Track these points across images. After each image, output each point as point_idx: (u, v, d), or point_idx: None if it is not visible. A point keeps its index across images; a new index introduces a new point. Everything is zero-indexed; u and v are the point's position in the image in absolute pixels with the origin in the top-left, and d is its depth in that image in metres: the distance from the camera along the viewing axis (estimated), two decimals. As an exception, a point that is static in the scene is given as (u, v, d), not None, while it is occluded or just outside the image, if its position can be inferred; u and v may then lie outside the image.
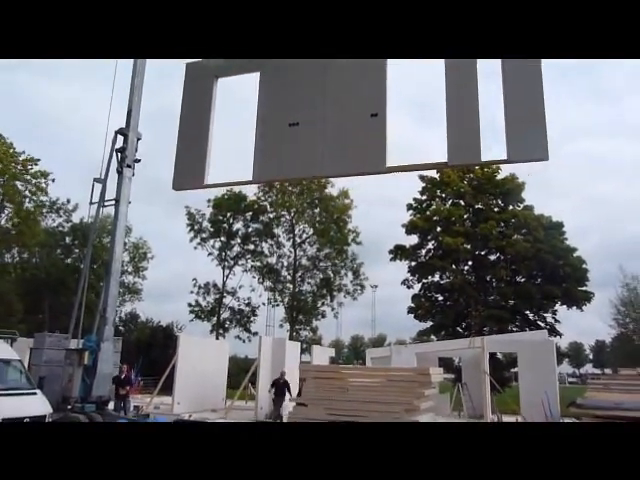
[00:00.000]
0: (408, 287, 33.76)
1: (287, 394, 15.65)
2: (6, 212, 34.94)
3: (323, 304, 38.89)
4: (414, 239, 33.69)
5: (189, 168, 4.18)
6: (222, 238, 39.78)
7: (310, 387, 14.85)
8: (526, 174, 32.29)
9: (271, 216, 39.40)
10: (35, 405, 11.09)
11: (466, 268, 33.33)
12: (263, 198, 38.92)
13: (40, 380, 12.45)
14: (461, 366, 24.75)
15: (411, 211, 34.02)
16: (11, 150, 33.60)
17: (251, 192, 38.45)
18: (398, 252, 33.81)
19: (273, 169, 4.11)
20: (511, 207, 32.52)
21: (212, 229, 39.69)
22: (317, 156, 3.89)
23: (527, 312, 30.88)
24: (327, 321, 40.24)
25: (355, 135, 3.97)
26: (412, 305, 33.23)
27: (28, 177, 34.27)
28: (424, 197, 33.95)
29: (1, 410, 10.24)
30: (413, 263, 33.62)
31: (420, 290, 33.57)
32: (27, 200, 35.16)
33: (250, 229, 39.67)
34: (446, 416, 18.79)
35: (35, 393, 11.51)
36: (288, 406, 15.64)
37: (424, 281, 33.48)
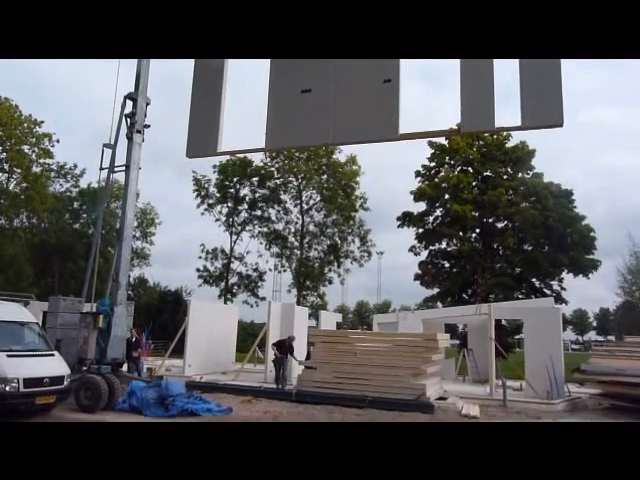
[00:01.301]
0: (415, 254, 33.91)
1: (291, 357, 15.90)
2: (14, 177, 35.10)
3: (330, 270, 39.19)
4: (422, 206, 33.66)
5: (202, 136, 4.19)
6: (229, 204, 39.82)
7: (319, 351, 15.17)
8: (536, 141, 31.89)
9: (278, 182, 39.28)
10: (54, 366, 11.42)
11: (474, 235, 33.35)
12: (270, 164, 38.73)
13: (57, 342, 12.75)
14: (466, 332, 25.04)
15: (419, 178, 33.86)
16: (16, 114, 33.52)
17: (257, 158, 38.33)
18: (406, 219, 33.79)
19: (285, 136, 4.12)
20: (520, 175, 32.27)
21: (218, 195, 39.69)
22: (329, 123, 3.89)
23: (533, 280, 31.00)
24: (333, 287, 40.70)
25: (368, 102, 3.94)
26: (419, 272, 33.42)
27: (33, 140, 34.27)
28: (433, 164, 33.70)
29: (22, 370, 10.59)
30: (420, 230, 33.66)
31: (427, 257, 33.71)
32: (34, 165, 35.27)
33: (257, 195, 39.63)
34: (452, 380, 19.15)
35: (53, 354, 11.83)
36: (297, 369, 15.99)
37: (431, 248, 33.58)
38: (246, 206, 39.87)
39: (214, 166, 38.60)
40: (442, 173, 33.39)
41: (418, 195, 32.80)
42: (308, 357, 16.44)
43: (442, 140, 32.20)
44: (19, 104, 33.85)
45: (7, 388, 10.21)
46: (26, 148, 34.42)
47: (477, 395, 15.81)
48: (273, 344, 16.44)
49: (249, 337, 28.77)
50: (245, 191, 39.84)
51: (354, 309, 76.37)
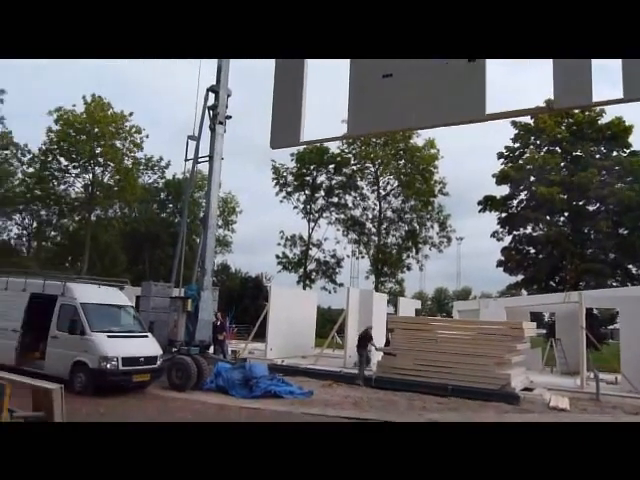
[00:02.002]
0: (498, 239, 32.74)
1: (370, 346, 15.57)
2: (108, 170, 37.54)
3: (408, 256, 38.71)
4: (505, 189, 32.33)
5: (285, 127, 4.22)
6: (306, 191, 40.31)
7: (398, 338, 15.08)
8: (634, 116, 29.52)
9: (355, 168, 39.18)
10: (148, 346, 12.23)
11: (561, 219, 31.60)
12: (347, 150, 38.68)
13: (150, 325, 13.60)
14: (553, 321, 23.88)
15: (502, 160, 32.50)
16: (109, 112, 35.74)
17: (334, 145, 38.41)
18: (487, 203, 32.62)
19: (368, 122, 4.06)
20: (615, 153, 30.01)
21: (296, 183, 40.28)
22: (413, 107, 3.79)
23: (630, 266, 28.91)
24: (411, 273, 40.18)
25: (452, 82, 3.78)
26: (501, 258, 32.23)
27: (124, 134, 36.43)
28: (517, 145, 32.19)
29: (120, 349, 11.43)
30: (503, 214, 32.39)
31: (510, 242, 32.43)
32: (125, 158, 37.52)
33: (334, 182, 39.79)
34: (538, 371, 18.39)
35: (147, 336, 12.66)
36: (376, 355, 16.01)
37: (515, 233, 32.24)
38: (323, 193, 40.18)
39: (292, 154, 39.18)
40: (527, 154, 31.82)
41: (501, 178, 31.51)
42: (387, 344, 16.40)
43: (527, 119, 30.66)
44: (110, 101, 36.10)
45: (108, 366, 11.07)
46: (118, 143, 36.69)
47: (566, 387, 15.07)
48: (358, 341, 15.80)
49: (327, 323, 29.16)
50: (322, 178, 40.17)
51: (432, 296, 75.03)
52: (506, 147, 32.42)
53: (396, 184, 38.72)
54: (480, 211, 33.21)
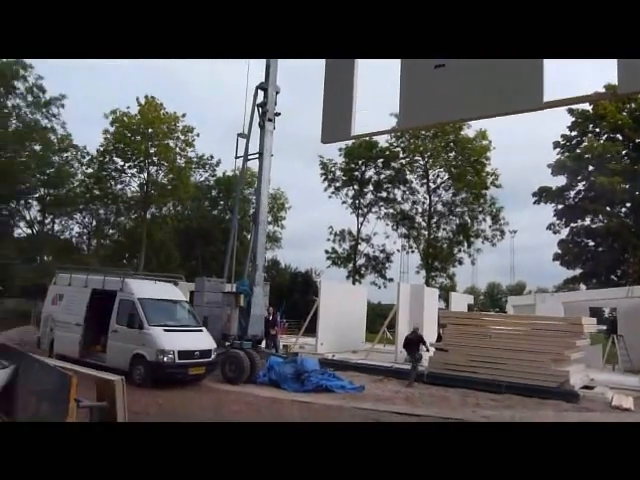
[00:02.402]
0: (554, 232, 31.58)
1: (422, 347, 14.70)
2: (162, 169, 38.69)
3: (460, 250, 37.93)
4: (561, 180, 31.07)
5: (336, 121, 4.20)
6: (355, 186, 40.16)
7: (450, 333, 14.84)
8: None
9: (404, 162, 38.69)
10: (203, 340, 12.56)
11: (623, 210, 30.09)
12: (395, 144, 38.23)
13: (204, 319, 13.95)
14: (614, 317, 22.83)
15: (558, 149, 31.25)
16: (162, 112, 36.78)
17: (382, 139, 38.01)
18: (543, 194, 31.48)
19: (420, 115, 3.97)
20: (684, 139, 28.30)
21: (344, 178, 40.19)
22: (467, 97, 3.67)
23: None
24: (463, 268, 39.33)
25: (508, 70, 3.63)
26: (558, 251, 31.07)
27: (177, 134, 37.43)
28: (574, 133, 30.85)
29: (176, 343, 11.79)
30: (560, 206, 31.17)
31: (568, 235, 31.20)
32: (178, 157, 38.56)
33: (382, 176, 39.44)
34: (599, 369, 17.64)
35: (202, 330, 13.00)
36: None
37: (572, 225, 31.00)
38: (372, 188, 39.92)
39: (340, 149, 39.10)
40: (585, 143, 30.42)
41: (557, 168, 30.31)
42: (439, 339, 16.17)
43: (585, 106, 29.33)
44: (163, 102, 37.13)
45: (165, 359, 11.45)
46: (171, 142, 37.71)
47: (630, 386, 14.38)
48: (404, 344, 14.93)
49: (377, 318, 29.02)
50: (370, 173, 39.88)
51: (485, 291, 73.25)
52: (562, 136, 31.16)
53: (446, 177, 37.96)
54: (535, 203, 32.12)
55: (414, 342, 14.31)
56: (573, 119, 30.41)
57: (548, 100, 3.62)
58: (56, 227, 41.43)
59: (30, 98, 31.60)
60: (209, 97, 67.20)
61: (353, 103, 4.14)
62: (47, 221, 40.42)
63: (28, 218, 38.14)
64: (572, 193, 31.12)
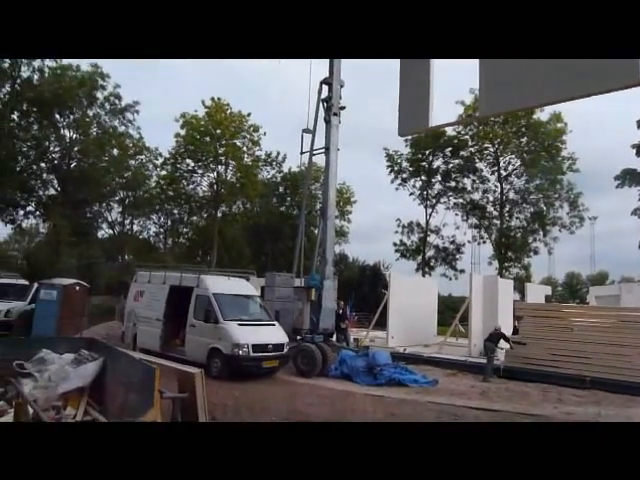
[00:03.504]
0: (640, 217, 29.51)
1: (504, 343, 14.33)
2: (230, 168, 39.84)
3: (535, 240, 36.31)
4: (647, 161, 28.95)
5: (412, 113, 4.12)
6: (422, 177, 39.43)
7: (527, 326, 14.26)
8: None
9: (472, 150, 37.48)
10: (276, 334, 12.81)
11: None
12: (463, 132, 37.11)
13: (276, 313, 14.21)
14: None
15: (643, 128, 29.12)
16: (228, 112, 37.81)
17: (449, 127, 37.00)
18: (627, 177, 29.48)
19: (500, 101, 3.78)
20: None
21: (411, 169, 39.54)
22: (552, 78, 3.44)
23: None
24: (539, 258, 37.62)
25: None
26: (645, 238, 29.04)
27: (244, 133, 38.35)
28: (660, 110, 28.65)
29: (250, 337, 12.10)
30: (646, 189, 29.10)
31: (656, 220, 29.08)
32: (245, 155, 39.54)
33: (451, 165, 38.46)
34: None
35: (274, 324, 13.26)
36: (504, 344, 15.28)
37: (661, 209, 28.85)
38: (440, 178, 39.02)
39: (406, 140, 38.48)
40: (674, 119, 28.19)
41: (642, 148, 28.29)
42: (515, 332, 15.59)
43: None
44: (230, 102, 38.17)
45: (240, 352, 11.78)
46: (238, 142, 38.73)
47: None
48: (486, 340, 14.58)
49: (448, 310, 28.41)
50: (438, 162, 38.98)
51: (563, 281, 69.82)
52: (647, 114, 29.02)
53: (518, 163, 36.40)
54: (618, 187, 30.13)
55: (495, 338, 14.03)
56: (659, 95, 28.23)
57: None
58: (135, 227, 43.89)
59: (108, 106, 33.43)
60: (276, 94, 68.28)
61: (430, 93, 4.03)
62: (127, 222, 42.83)
63: (110, 220, 40.63)
64: (660, 174, 28.96)
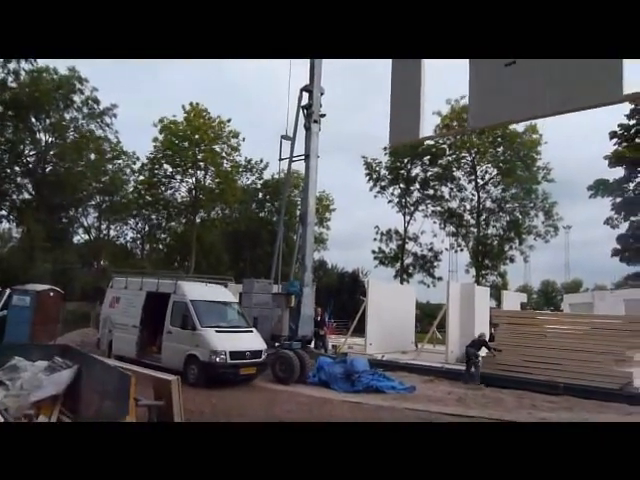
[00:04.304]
0: (612, 227, 30.28)
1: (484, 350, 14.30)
2: (209, 173, 39.62)
3: (511, 248, 36.88)
4: (619, 172, 29.73)
5: (403, 123, 4.20)
6: (401, 185, 39.77)
7: (503, 333, 14.46)
8: None
9: (450, 159, 37.98)
10: (253, 341, 12.75)
11: (688, 202, 28.52)
12: (441, 141, 37.58)
13: (254, 320, 14.16)
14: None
15: (615, 140, 29.90)
16: (207, 117, 37.63)
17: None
18: (600, 187, 30.22)
19: (491, 114, 3.87)
20: None
21: (390, 176, 39.85)
22: (541, 94, 3.53)
23: None
24: (515, 266, 38.24)
25: (584, 63, 3.42)
26: (617, 247, 29.76)
27: (223, 138, 38.19)
28: (632, 122, 29.44)
29: (228, 344, 12.02)
30: (618, 199, 29.82)
31: (628, 230, 29.81)
32: (224, 161, 39.37)
33: (429, 174, 38.89)
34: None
35: (252, 331, 13.20)
36: (480, 351, 15.46)
37: (633, 219, 29.60)
38: (418, 186, 39.41)
39: (384, 148, 38.83)
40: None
41: (614, 160, 29.03)
42: (491, 339, 15.78)
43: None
44: (208, 105, 38.01)
45: (217, 359, 11.69)
46: (217, 147, 38.56)
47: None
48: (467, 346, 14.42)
49: (426, 317, 28.63)
50: (417, 170, 39.39)
51: (539, 289, 70.95)
52: (620, 125, 29.79)
53: (495, 172, 37.02)
54: (591, 197, 30.88)
55: (477, 344, 14.13)
56: (632, 107, 29.03)
57: (628, 92, 3.43)
58: (112, 233, 43.17)
59: (86, 110, 32.99)
60: (257, 100, 68.33)
61: (421, 105, 4.10)
62: (103, 227, 42.17)
63: (86, 225, 39.94)
64: (631, 185, 29.73)
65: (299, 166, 16.49)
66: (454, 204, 38.45)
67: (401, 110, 4.13)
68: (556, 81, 3.43)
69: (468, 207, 38.23)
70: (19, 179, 33.04)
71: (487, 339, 15.95)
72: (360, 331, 19.44)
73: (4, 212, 33.36)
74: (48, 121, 32.66)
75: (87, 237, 40.72)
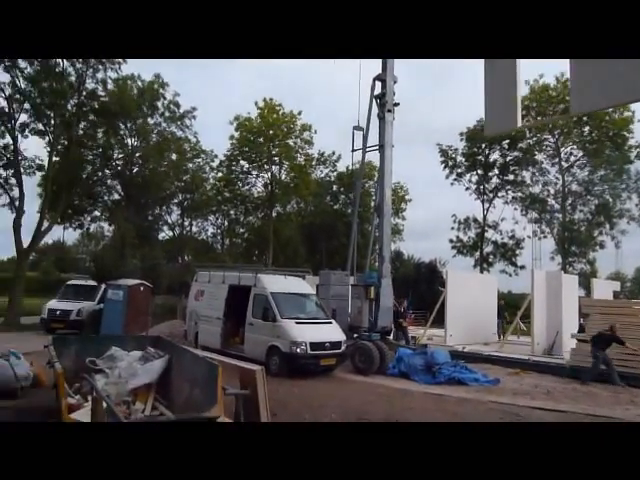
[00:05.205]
0: None
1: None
2: (284, 168, 40.34)
3: (601, 233, 34.51)
4: None
5: (500, 112, 4.10)
6: (478, 171, 38.39)
7: (595, 323, 13.64)
8: None
9: (531, 142, 36.11)
10: (333, 332, 12.88)
11: None
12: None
13: (333, 312, 14.27)
14: None
15: None
16: (280, 112, 38.27)
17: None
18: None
19: (593, 97, 3.68)
20: None
21: (467, 163, 38.57)
22: (637, 77, 3.30)
23: None
24: (605, 252, 35.74)
25: None
26: None
27: (296, 132, 38.71)
28: None
29: (308, 335, 12.22)
30: None
31: None
32: (298, 155, 39.91)
33: (508, 158, 37.21)
34: None
35: (331, 322, 13.34)
36: (569, 342, 14.71)
37: None
38: (497, 171, 37.85)
39: (461, 134, 37.66)
40: None
41: None
42: (581, 330, 14.97)
43: None
44: (282, 102, 38.62)
45: (298, 350, 11.92)
46: (290, 141, 39.14)
47: None
48: (592, 339, 12.78)
49: (508, 307, 27.55)
50: (495, 156, 37.76)
51: (633, 276, 66.18)
52: None
53: (581, 154, 34.80)
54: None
55: (605, 340, 12.46)
56: None
57: None
58: (194, 229, 45.14)
59: (167, 114, 34.58)
60: (329, 93, 68.61)
61: (518, 93, 4.00)
62: (186, 224, 44.17)
63: (170, 222, 42.04)
64: None
65: (373, 157, 16.35)
66: (536, 189, 36.46)
67: (496, 100, 4.01)
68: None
69: (552, 192, 36.14)
70: (109, 181, 35.26)
71: (577, 329, 15.16)
72: (439, 322, 19.09)
73: (97, 213, 35.78)
74: (133, 126, 34.60)
75: (171, 234, 42.88)
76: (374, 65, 15.32)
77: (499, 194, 37.88)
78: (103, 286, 19.47)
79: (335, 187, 43.49)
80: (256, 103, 38.06)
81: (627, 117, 32.27)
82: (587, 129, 33.93)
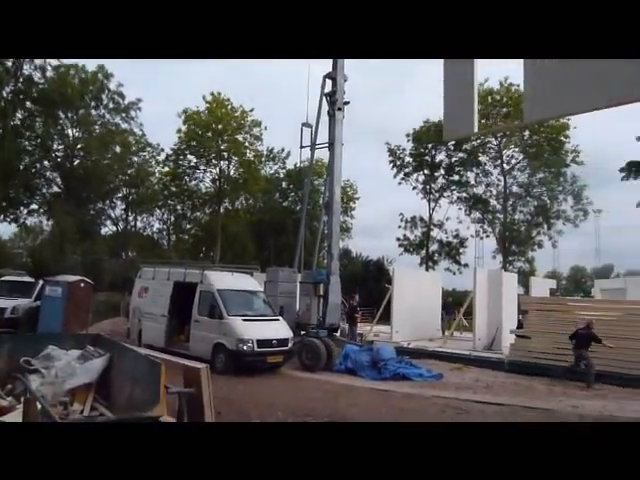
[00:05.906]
0: (644, 210, 29.30)
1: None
2: (233, 164, 39.84)
3: (539, 233, 36.11)
4: (652, 153, 28.76)
5: (457, 118, 4.16)
6: (425, 171, 39.28)
7: (532, 320, 14.23)
8: None
9: (475, 144, 37.29)
10: (280, 329, 12.83)
11: None
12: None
13: (280, 309, 14.21)
14: None
15: (647, 121, 28.94)
16: (229, 107, 37.74)
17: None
18: (632, 169, 29.28)
19: (545, 107, 3.79)
20: None
21: (414, 163, 39.38)
22: (598, 86, 3.42)
23: None
24: (543, 251, 37.41)
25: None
26: (650, 230, 28.87)
27: (246, 128, 38.30)
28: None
29: (254, 332, 12.11)
30: (651, 182, 28.90)
31: (660, 213, 28.90)
32: (247, 151, 39.51)
33: (453, 159, 38.29)
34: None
35: (278, 319, 13.27)
36: (508, 337, 15.27)
37: (666, 202, 28.65)
38: (443, 172, 38.86)
39: (407, 135, 38.38)
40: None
41: (646, 141, 28.10)
42: (520, 326, 15.58)
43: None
44: (231, 97, 38.08)
45: (244, 347, 11.80)
46: (240, 137, 38.69)
47: None
48: (570, 337, 12.48)
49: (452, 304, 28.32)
50: (441, 156, 38.79)
51: (568, 275, 69.63)
52: (651, 106, 28.80)
53: (521, 157, 36.24)
54: (623, 179, 29.95)
55: (584, 338, 12.24)
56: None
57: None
58: (138, 224, 43.86)
59: (111, 104, 33.43)
60: (277, 88, 68.16)
61: (474, 99, 4.07)
62: (130, 219, 42.84)
63: (113, 216, 40.66)
64: (665, 167, 28.79)
65: (322, 154, 16.38)
66: (480, 190, 37.79)
67: (454, 105, 4.07)
68: (615, 73, 3.33)
69: (494, 192, 37.54)
70: (48, 173, 33.74)
71: (516, 326, 15.76)
72: (386, 319, 19.36)
73: (35, 206, 34.14)
74: (75, 116, 33.21)
75: (115, 229, 41.50)
76: (325, 63, 15.35)
77: (444, 194, 38.96)
78: (41, 282, 18.56)
79: (284, 184, 43.32)
80: (204, 97, 37.43)
81: (564, 123, 33.84)
82: (527, 133, 35.34)
